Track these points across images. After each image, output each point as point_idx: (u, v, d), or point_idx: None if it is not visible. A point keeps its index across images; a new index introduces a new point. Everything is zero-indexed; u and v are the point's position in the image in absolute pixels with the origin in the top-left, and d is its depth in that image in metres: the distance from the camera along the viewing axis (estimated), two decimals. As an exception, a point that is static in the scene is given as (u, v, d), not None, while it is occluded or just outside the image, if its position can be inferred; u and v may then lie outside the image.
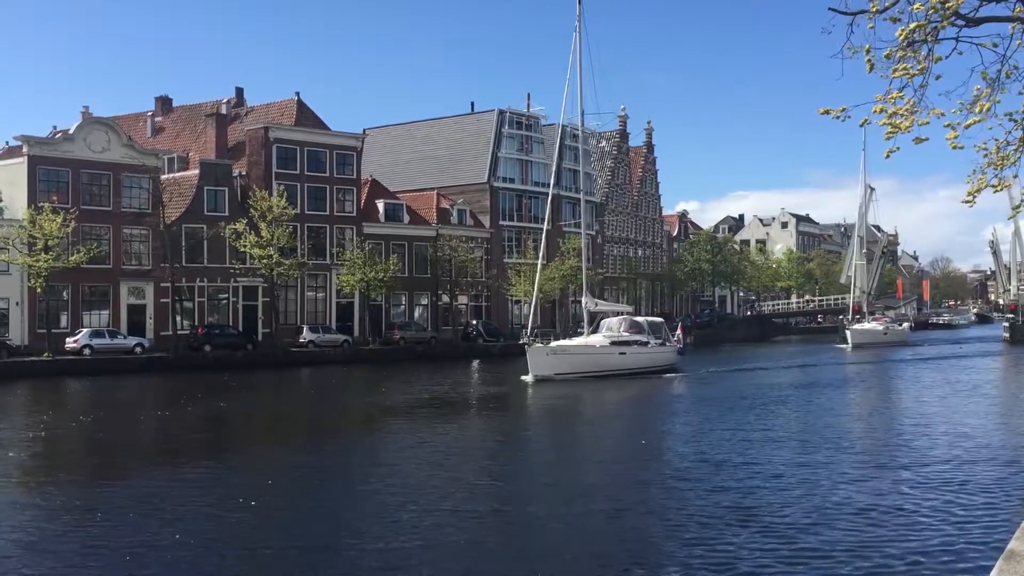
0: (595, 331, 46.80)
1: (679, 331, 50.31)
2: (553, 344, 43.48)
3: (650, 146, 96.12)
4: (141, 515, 14.83)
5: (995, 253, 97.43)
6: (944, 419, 27.14)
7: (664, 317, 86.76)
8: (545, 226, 48.68)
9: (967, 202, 7.75)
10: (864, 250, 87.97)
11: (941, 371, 48.33)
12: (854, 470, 18.72)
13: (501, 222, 72.14)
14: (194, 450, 22.65)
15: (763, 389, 37.18)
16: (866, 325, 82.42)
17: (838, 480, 17.58)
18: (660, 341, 47.06)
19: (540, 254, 49.71)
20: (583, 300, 48.81)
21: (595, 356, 43.57)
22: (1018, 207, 8.53)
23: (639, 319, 50.30)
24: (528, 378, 40.28)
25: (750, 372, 48.33)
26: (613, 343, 44.75)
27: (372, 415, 30.60)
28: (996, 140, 7.40)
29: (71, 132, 50.99)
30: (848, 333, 78.12)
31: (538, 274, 48.59)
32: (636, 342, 45.56)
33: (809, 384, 40.20)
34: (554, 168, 55.81)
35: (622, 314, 50.74)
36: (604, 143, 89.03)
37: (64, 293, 48.80)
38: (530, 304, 46.28)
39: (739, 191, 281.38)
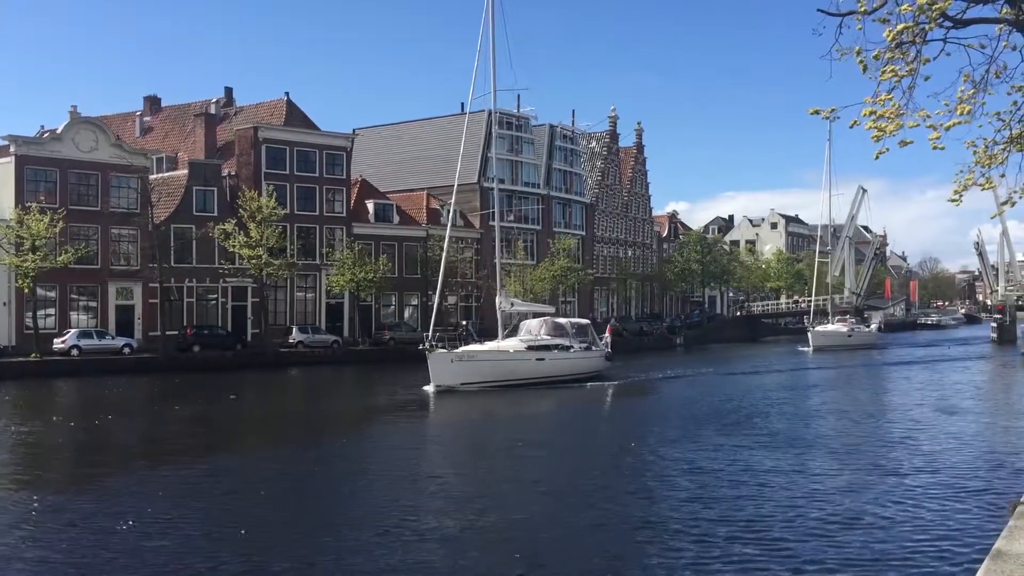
0: (512, 334, 42.26)
1: (607, 333, 46.22)
2: (459, 350, 38.52)
3: (640, 147, 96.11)
4: (108, 520, 14.79)
5: (981, 254, 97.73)
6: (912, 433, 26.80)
7: (654, 317, 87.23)
8: (456, 223, 46.04)
9: (953, 200, 7.79)
10: (829, 247, 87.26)
11: (906, 380, 44.30)
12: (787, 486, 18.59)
13: (491, 222, 71.99)
14: (169, 454, 22.36)
15: (695, 400, 33.75)
16: (828, 327, 79.19)
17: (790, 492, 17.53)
18: (585, 345, 42.67)
19: (445, 248, 43.47)
20: (497, 299, 43.31)
21: (508, 363, 38.65)
22: (1004, 205, 8.57)
23: (561, 320, 45.16)
24: (429, 388, 35.93)
25: (684, 379, 44.17)
26: (530, 348, 40.02)
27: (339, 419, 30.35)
28: (984, 139, 7.44)
29: (59, 132, 50.63)
30: (810, 335, 74.73)
31: (441, 270, 42.41)
32: (557, 346, 40.94)
33: (748, 394, 36.05)
34: (468, 157, 51.84)
35: (544, 315, 45.52)
36: (594, 143, 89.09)
37: (52, 293, 48.52)
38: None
39: (729, 192, 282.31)
